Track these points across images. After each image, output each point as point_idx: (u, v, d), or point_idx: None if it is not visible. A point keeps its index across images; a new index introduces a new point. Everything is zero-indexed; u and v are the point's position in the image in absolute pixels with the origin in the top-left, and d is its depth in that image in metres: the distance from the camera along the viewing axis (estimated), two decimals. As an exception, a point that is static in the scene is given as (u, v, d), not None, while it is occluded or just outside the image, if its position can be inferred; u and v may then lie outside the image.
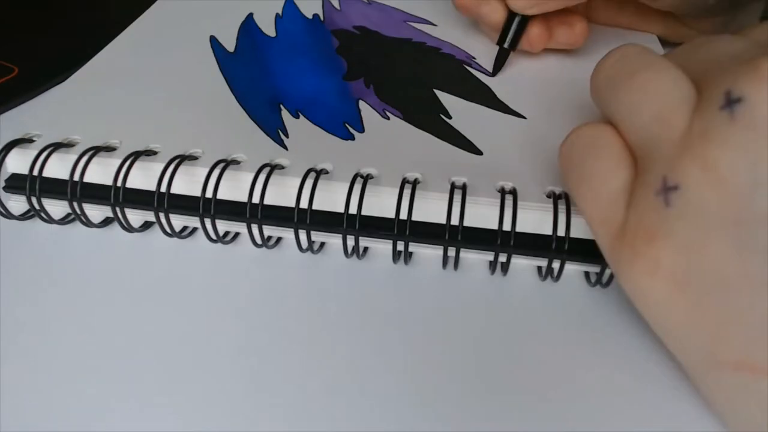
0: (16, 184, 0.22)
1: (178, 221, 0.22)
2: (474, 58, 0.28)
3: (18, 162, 0.22)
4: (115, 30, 0.29)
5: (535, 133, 0.23)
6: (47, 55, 0.32)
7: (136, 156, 0.21)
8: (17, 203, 0.23)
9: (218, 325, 0.20)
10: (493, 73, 0.27)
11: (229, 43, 0.29)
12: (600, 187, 0.16)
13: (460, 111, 0.24)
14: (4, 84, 0.30)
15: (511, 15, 0.27)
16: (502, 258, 0.20)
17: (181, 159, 0.21)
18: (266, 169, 0.20)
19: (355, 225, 0.20)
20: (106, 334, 0.19)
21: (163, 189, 0.20)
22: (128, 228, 0.22)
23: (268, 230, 0.21)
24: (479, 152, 0.22)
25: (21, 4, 0.38)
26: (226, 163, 0.21)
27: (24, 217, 0.23)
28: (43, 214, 0.22)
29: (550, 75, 0.27)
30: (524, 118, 0.24)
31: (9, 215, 0.22)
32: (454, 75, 0.27)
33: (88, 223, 0.22)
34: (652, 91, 0.16)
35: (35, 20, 0.36)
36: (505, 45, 0.27)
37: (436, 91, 0.26)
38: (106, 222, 0.23)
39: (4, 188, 0.22)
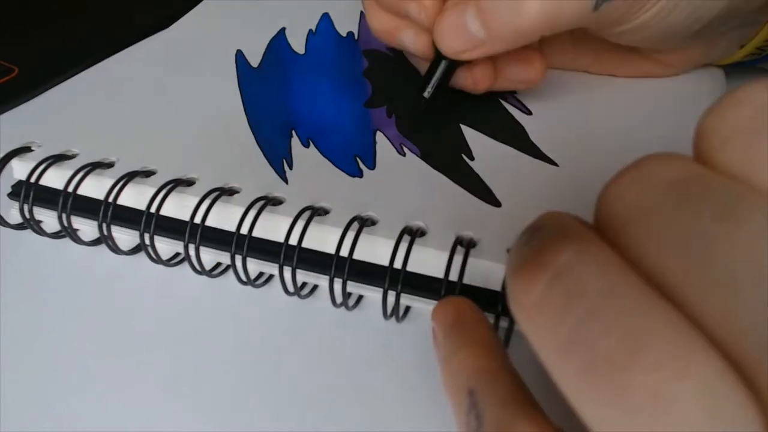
0: (19, 191, 0.22)
1: (170, 246, 0.20)
2: (512, 91, 0.26)
3: (24, 169, 0.21)
4: (115, 30, 0.29)
5: (566, 184, 0.21)
6: (47, 56, 0.32)
7: (129, 177, 0.20)
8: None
9: (205, 344, 0.19)
10: (408, 128, 0.23)
11: (255, 59, 0.28)
12: None
13: (486, 151, 0.22)
14: (4, 84, 0.30)
15: (438, 57, 0.21)
16: (504, 323, 0.18)
17: (175, 184, 0.20)
18: (258, 204, 0.19)
19: (344, 270, 0.18)
20: (106, 333, 0.19)
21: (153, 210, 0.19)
22: (115, 249, 0.21)
23: (257, 266, 0.20)
24: (497, 203, 0.20)
25: (21, 4, 0.38)
26: (220, 193, 0.19)
27: (19, 227, 0.22)
28: (35, 227, 0.21)
29: (594, 119, 0.24)
30: (556, 165, 0.21)
31: (5, 224, 0.22)
32: (486, 109, 0.25)
33: (78, 240, 0.21)
34: (673, 425, 0.09)
35: (35, 20, 0.36)
36: (425, 94, 0.22)
37: (463, 127, 0.23)
38: (97, 241, 0.22)
39: (9, 195, 0.22)
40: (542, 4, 0.18)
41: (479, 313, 0.15)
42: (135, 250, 0.21)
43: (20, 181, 0.22)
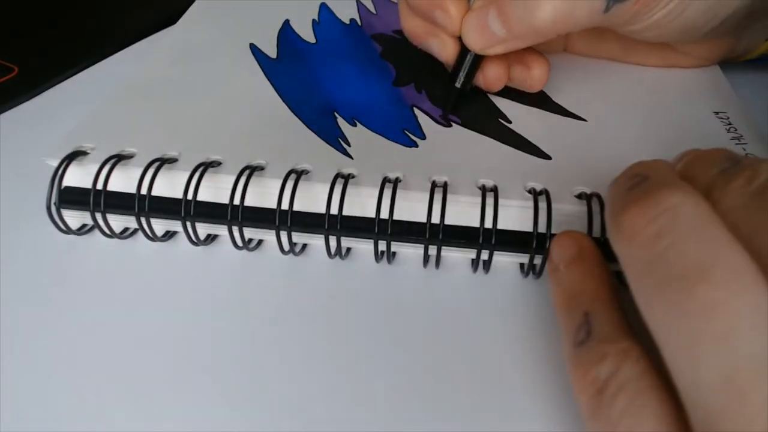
0: (72, 198, 0.21)
1: (247, 233, 0.21)
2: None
3: (79, 174, 0.21)
4: (115, 31, 0.29)
5: (596, 135, 0.23)
6: (47, 55, 0.32)
7: (204, 168, 0.20)
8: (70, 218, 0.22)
9: (223, 329, 0.19)
10: (444, 115, 0.24)
11: (271, 50, 0.28)
12: None
13: (518, 115, 0.24)
14: (4, 84, 0.30)
15: (464, 51, 0.23)
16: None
17: (251, 170, 0.20)
18: (340, 180, 0.20)
19: (438, 235, 0.19)
20: (107, 334, 0.19)
21: (237, 201, 0.20)
22: (196, 241, 0.21)
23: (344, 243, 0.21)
24: (548, 157, 0.22)
25: (21, 4, 0.37)
26: (298, 174, 0.20)
27: (81, 232, 0.22)
28: (105, 229, 0.21)
29: (604, 78, 0.27)
30: (584, 120, 0.24)
31: (69, 230, 0.21)
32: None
33: (153, 237, 0.21)
34: (721, 328, 0.11)
35: (35, 20, 0.36)
36: (457, 85, 0.24)
37: (490, 96, 0.25)
38: (167, 236, 0.22)
39: (61, 204, 0.21)
40: (555, 6, 0.20)
41: (596, 249, 0.17)
42: (207, 240, 0.22)
43: (68, 188, 0.22)
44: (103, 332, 0.19)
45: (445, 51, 0.24)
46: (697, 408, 0.11)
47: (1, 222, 0.23)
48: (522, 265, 0.20)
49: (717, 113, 0.24)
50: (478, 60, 0.23)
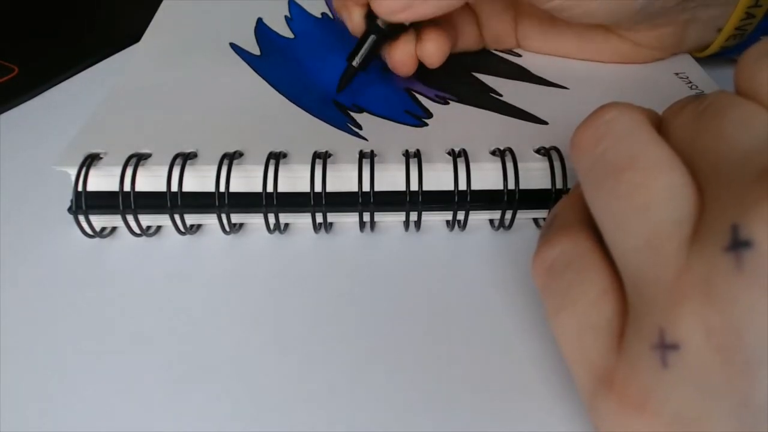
0: (99, 202, 0.21)
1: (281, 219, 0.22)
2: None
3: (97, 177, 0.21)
4: (115, 32, 0.29)
5: (585, 100, 0.25)
6: (47, 55, 0.32)
7: (229, 163, 0.21)
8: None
9: (223, 324, 0.19)
10: (338, 90, 0.25)
11: (252, 48, 0.29)
12: (582, 321, 0.15)
13: (506, 89, 0.26)
14: (4, 84, 0.30)
15: (367, 33, 0.24)
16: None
17: (277, 158, 0.21)
18: (367, 160, 0.21)
19: (466, 198, 0.21)
20: (107, 332, 0.19)
21: (270, 189, 0.20)
22: (227, 230, 0.21)
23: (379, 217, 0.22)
24: (545, 122, 0.24)
25: (21, 5, 0.37)
26: (324, 158, 0.21)
27: (103, 234, 0.22)
28: (136, 229, 0.21)
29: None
30: (567, 88, 0.26)
31: (95, 233, 0.21)
32: (484, 58, 0.28)
33: (185, 231, 0.21)
34: (641, 202, 0.13)
35: (36, 20, 0.36)
36: (354, 63, 0.24)
37: (475, 74, 0.27)
38: (192, 229, 0.22)
39: (86, 210, 0.21)
40: None
41: None
42: (236, 228, 0.22)
43: (91, 192, 0.21)
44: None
45: (351, 22, 0.25)
46: (627, 270, 0.14)
47: (1, 221, 0.22)
48: (536, 220, 0.22)
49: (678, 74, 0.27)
50: (378, 42, 0.24)
